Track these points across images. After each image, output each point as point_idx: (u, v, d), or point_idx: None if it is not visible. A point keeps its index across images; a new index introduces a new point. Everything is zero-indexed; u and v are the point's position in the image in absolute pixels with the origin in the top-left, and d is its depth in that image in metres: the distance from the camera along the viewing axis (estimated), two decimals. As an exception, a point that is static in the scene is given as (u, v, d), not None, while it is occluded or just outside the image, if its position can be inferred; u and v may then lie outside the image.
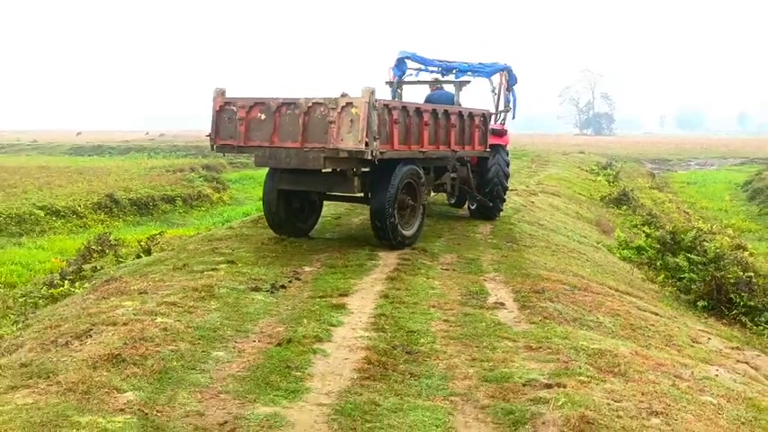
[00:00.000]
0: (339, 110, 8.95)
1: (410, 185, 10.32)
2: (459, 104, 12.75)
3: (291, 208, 10.95)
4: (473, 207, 13.86)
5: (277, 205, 10.71)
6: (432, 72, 14.19)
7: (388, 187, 9.71)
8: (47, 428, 4.15)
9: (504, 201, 13.89)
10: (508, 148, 13.94)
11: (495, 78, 14.05)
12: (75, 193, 22.59)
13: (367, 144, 8.79)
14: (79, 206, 20.85)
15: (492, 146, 12.92)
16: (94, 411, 4.48)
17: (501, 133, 13.50)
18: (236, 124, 9.80)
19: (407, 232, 10.26)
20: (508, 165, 13.66)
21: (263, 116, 9.61)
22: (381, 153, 9.15)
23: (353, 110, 8.85)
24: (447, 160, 12.03)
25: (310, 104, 9.18)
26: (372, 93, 8.88)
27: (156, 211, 23.05)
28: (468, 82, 13.73)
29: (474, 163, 13.19)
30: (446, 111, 10.94)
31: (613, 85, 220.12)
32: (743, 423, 5.16)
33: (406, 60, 13.76)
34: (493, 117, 13.45)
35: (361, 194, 10.28)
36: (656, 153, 60.96)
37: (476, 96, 14.77)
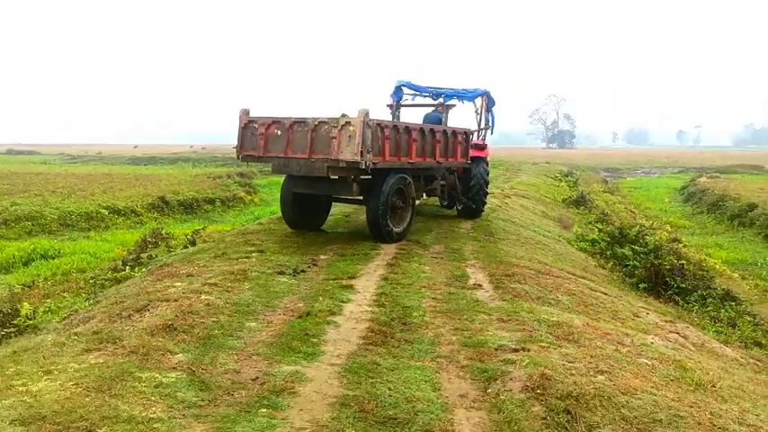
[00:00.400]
0: (339, 128, 9.00)
1: (400, 190, 10.31)
2: (446, 124, 12.74)
3: (304, 208, 10.97)
4: (460, 208, 13.81)
5: (292, 206, 10.80)
6: (425, 97, 14.21)
7: (381, 192, 9.75)
8: (115, 382, 4.24)
9: (485, 203, 13.93)
10: (488, 159, 13.91)
11: (478, 101, 14.00)
12: (133, 195, 22.51)
13: (362, 156, 8.82)
14: (137, 206, 20.79)
15: (474, 158, 12.92)
16: (152, 369, 4.57)
17: (482, 147, 13.46)
18: (257, 138, 9.87)
19: (397, 229, 10.21)
20: (488, 174, 13.64)
21: (278, 132, 9.67)
22: (374, 164, 9.17)
23: (351, 128, 8.89)
24: (435, 170, 12.00)
25: (317, 123, 9.23)
26: (367, 114, 8.90)
27: (200, 211, 23.00)
28: (454, 105, 13.76)
29: (460, 172, 13.11)
30: (432, 129, 10.95)
31: (574, 107, 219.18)
32: (671, 380, 5.21)
33: (402, 88, 13.88)
34: (475, 134, 13.44)
35: (360, 197, 10.24)
36: (609, 163, 60.63)
37: (465, 116, 14.86)
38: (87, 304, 7.11)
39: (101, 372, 4.36)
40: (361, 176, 9.71)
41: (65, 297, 8.94)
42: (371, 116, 9.07)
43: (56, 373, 4.33)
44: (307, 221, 11.13)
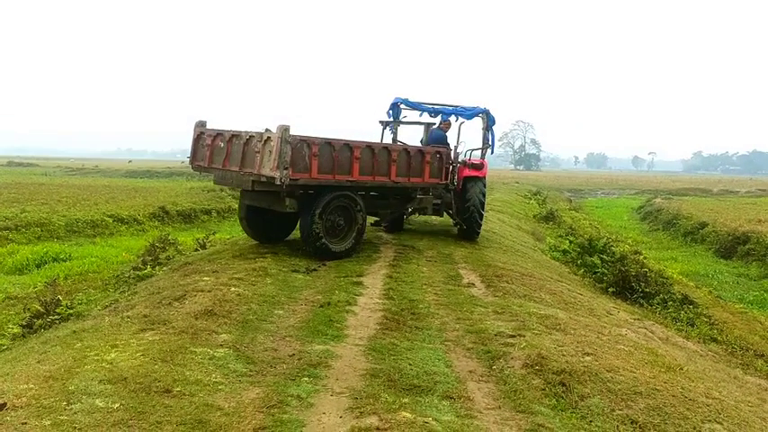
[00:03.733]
0: (263, 142, 8.50)
1: (344, 209, 9.49)
2: (448, 141, 12.07)
3: (262, 219, 10.34)
4: (457, 229, 12.70)
5: (246, 217, 10.37)
6: (421, 115, 12.95)
7: (312, 208, 9.06)
8: (175, 354, 4.58)
9: (481, 225, 12.43)
10: (485, 180, 12.53)
11: (478, 119, 12.82)
12: (134, 205, 22.52)
13: (278, 171, 8.22)
14: (139, 215, 20.81)
15: (471, 177, 12.07)
16: (203, 345, 4.91)
17: (479, 167, 12.30)
18: (205, 150, 9.57)
19: (336, 247, 9.35)
20: (484, 195, 12.30)
21: (221, 144, 9.26)
22: (294, 180, 8.52)
23: (271, 143, 8.35)
24: (409, 189, 10.94)
25: (248, 137, 8.80)
26: (286, 129, 8.31)
27: (197, 221, 23.10)
28: (434, 124, 12.60)
29: (458, 191, 12.18)
30: (386, 147, 10.03)
31: (539, 132, 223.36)
32: (646, 363, 5.66)
33: (399, 105, 12.76)
34: (470, 153, 12.58)
35: (293, 211, 9.32)
36: (572, 184, 61.72)
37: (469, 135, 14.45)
38: (125, 296, 7.36)
39: (160, 346, 4.70)
40: (300, 191, 9.17)
41: (92, 292, 9.16)
42: (303, 133, 8.70)
43: (121, 346, 4.66)
44: (267, 234, 10.47)
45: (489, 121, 12.57)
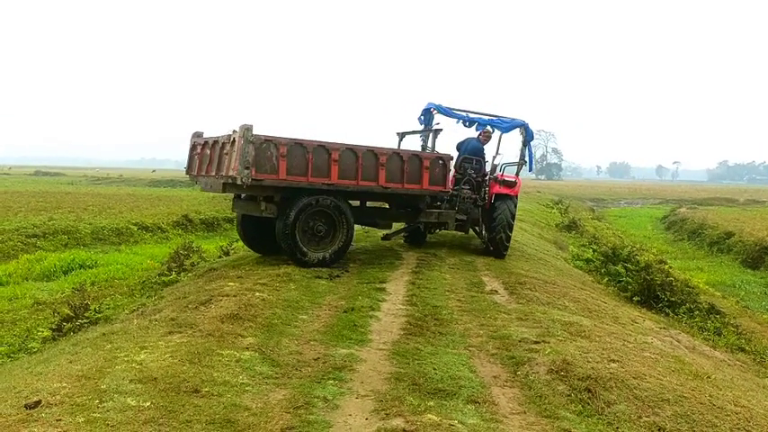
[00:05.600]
0: (230, 144, 8.38)
1: (325, 214, 9.09)
2: (433, 149, 11.18)
3: (258, 229, 10.05)
4: (484, 248, 11.74)
5: (242, 225, 10.22)
6: (458, 122, 11.89)
7: (288, 212, 8.75)
8: (202, 356, 4.65)
9: (507, 247, 11.48)
10: (516, 199, 11.72)
11: (515, 132, 12.06)
12: (158, 213, 22.79)
13: (238, 172, 8.06)
14: (162, 223, 21.03)
15: (501, 195, 11.33)
16: (230, 347, 4.97)
17: (511, 184, 11.48)
18: (196, 159, 9.56)
19: (316, 254, 8.96)
20: (514, 215, 11.45)
21: (208, 151, 9.20)
22: (258, 181, 8.29)
23: (236, 144, 8.21)
24: (417, 198, 10.31)
25: (223, 142, 8.68)
26: (248, 129, 8.13)
27: (220, 229, 23.26)
28: (441, 130, 11.50)
29: (487, 207, 11.55)
30: (371, 150, 9.34)
31: (561, 141, 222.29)
32: (673, 370, 5.60)
33: (432, 111, 11.75)
34: (503, 168, 11.91)
35: (271, 216, 9.06)
36: (594, 194, 61.20)
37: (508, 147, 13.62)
38: (152, 300, 7.49)
39: (188, 348, 4.77)
40: (281, 196, 8.95)
41: (118, 298, 9.33)
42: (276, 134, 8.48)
43: (150, 348, 4.74)
44: (263, 245, 10.13)
45: (527, 136, 11.90)
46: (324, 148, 8.83)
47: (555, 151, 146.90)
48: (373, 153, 9.36)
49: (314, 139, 8.84)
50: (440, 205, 11.01)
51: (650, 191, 71.54)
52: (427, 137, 11.67)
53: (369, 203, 10.52)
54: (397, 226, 11.28)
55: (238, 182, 8.11)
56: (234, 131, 8.40)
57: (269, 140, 8.38)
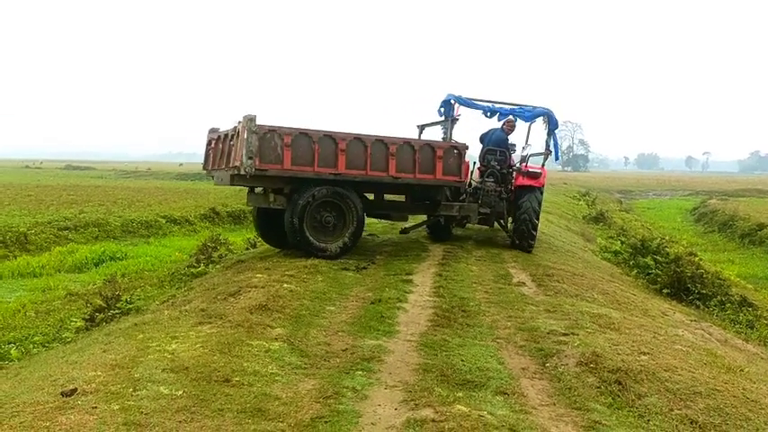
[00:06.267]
0: (236, 136, 8.39)
1: (334, 204, 9.03)
2: (450, 138, 10.78)
3: (272, 222, 9.85)
4: (510, 241, 11.37)
5: (257, 219, 10.20)
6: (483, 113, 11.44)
7: (295, 203, 8.74)
8: (232, 346, 4.70)
9: (534, 238, 11.11)
10: (542, 189, 11.35)
11: (539, 121, 11.68)
12: (185, 206, 23.07)
13: (242, 162, 8.09)
14: (190, 216, 21.28)
15: (525, 186, 11.00)
16: (259, 338, 5.03)
17: (536, 176, 11.15)
18: (210, 153, 9.65)
19: (325, 245, 8.92)
20: (539, 205, 11.11)
21: (220, 145, 9.21)
22: (262, 171, 8.28)
23: (240, 134, 8.23)
24: (433, 189, 10.11)
25: (231, 134, 8.68)
26: (251, 120, 8.11)
27: (246, 221, 23.31)
28: (457, 119, 11.16)
29: (512, 200, 11.25)
30: (380, 140, 9.18)
31: (588, 133, 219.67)
32: (705, 363, 5.51)
33: (452, 102, 11.27)
34: (528, 158, 11.61)
35: (279, 207, 9.05)
36: (621, 185, 60.37)
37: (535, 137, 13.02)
38: (181, 291, 7.60)
39: (218, 338, 4.83)
40: (290, 187, 8.92)
41: (149, 289, 9.48)
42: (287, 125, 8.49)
43: (181, 338, 4.82)
44: (279, 238, 9.92)
45: (551, 125, 11.52)
46: (330, 138, 8.75)
47: (582, 142, 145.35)
48: (383, 142, 9.21)
49: (323, 129, 8.82)
50: (463, 198, 10.82)
51: (679, 182, 70.33)
52: (447, 127, 11.32)
53: (386, 196, 10.41)
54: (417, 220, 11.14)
55: (242, 171, 8.12)
56: (238, 122, 8.40)
57: (273, 130, 8.37)
